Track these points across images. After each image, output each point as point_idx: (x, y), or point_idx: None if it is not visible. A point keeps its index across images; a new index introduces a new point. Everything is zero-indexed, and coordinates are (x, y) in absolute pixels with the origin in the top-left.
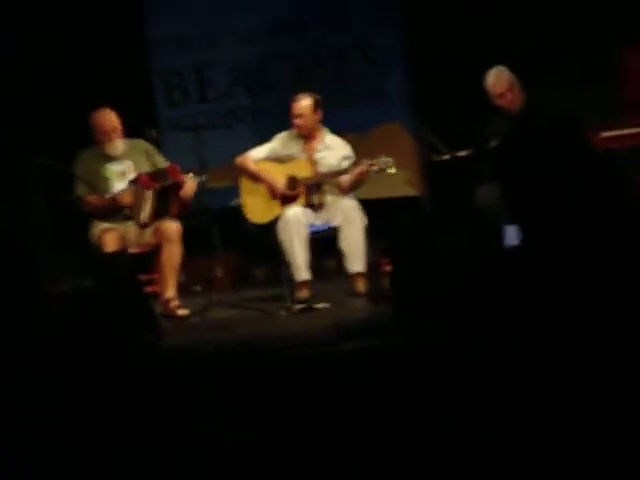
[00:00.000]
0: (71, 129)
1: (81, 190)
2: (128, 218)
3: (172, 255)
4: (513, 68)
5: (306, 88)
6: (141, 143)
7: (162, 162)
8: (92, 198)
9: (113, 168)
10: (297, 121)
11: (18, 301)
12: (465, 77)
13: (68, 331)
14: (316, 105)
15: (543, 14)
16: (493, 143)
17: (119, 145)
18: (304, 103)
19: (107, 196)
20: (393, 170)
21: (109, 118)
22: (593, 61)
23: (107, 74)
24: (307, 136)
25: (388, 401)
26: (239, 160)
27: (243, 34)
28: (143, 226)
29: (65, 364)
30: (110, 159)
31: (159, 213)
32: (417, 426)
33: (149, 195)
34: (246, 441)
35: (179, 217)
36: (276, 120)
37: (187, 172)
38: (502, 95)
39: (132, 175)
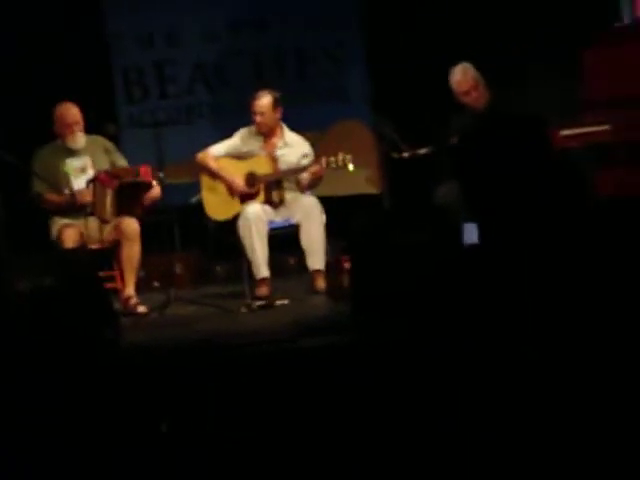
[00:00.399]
0: (30, 125)
1: (39, 187)
2: (90, 214)
3: (131, 253)
4: (477, 66)
5: (266, 85)
6: (100, 139)
7: (121, 160)
8: (51, 196)
9: (72, 163)
10: (257, 118)
11: None
12: (426, 75)
13: (28, 328)
14: (276, 103)
15: (509, 12)
16: (454, 140)
17: (80, 139)
18: (264, 101)
19: (66, 192)
20: (351, 167)
21: (72, 112)
22: (559, 60)
23: (67, 69)
24: (267, 133)
25: (346, 398)
26: (199, 157)
27: (204, 31)
28: (105, 221)
29: (26, 362)
30: (70, 154)
31: (121, 210)
32: (374, 422)
33: (109, 193)
34: (204, 438)
35: (141, 217)
36: (236, 116)
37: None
38: (467, 93)
39: (90, 171)
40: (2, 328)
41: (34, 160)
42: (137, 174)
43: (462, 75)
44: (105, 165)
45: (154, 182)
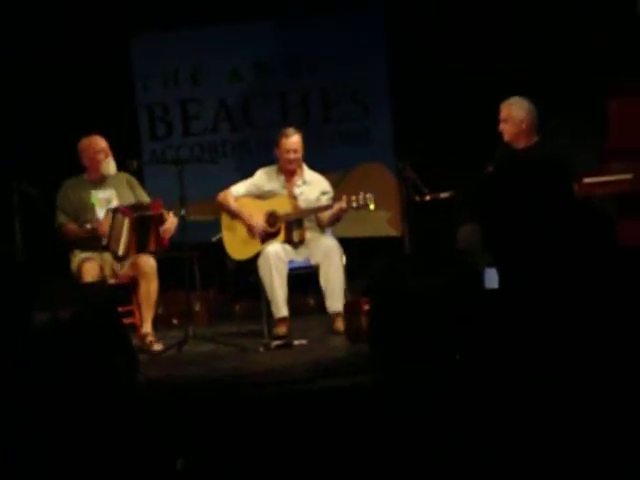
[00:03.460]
0: (55, 159)
1: (62, 219)
2: (105, 248)
3: (149, 290)
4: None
5: (291, 125)
6: (124, 175)
7: (143, 196)
8: (72, 226)
9: (98, 195)
10: (291, 156)
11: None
12: (449, 119)
13: (46, 361)
14: (303, 141)
15: (535, 58)
16: (489, 170)
17: (111, 165)
18: (298, 138)
19: (87, 226)
20: (372, 206)
21: (100, 140)
22: (585, 109)
23: (93, 105)
24: (288, 172)
25: (364, 440)
26: (220, 196)
27: (229, 70)
28: (120, 259)
29: (43, 394)
30: (95, 186)
31: (137, 245)
32: (392, 464)
33: (126, 224)
34: (220, 477)
35: (158, 253)
36: (259, 156)
37: (166, 208)
38: (500, 121)
39: (115, 203)
40: (20, 359)
41: (60, 193)
42: (149, 209)
43: (505, 103)
44: (130, 199)
45: (168, 214)
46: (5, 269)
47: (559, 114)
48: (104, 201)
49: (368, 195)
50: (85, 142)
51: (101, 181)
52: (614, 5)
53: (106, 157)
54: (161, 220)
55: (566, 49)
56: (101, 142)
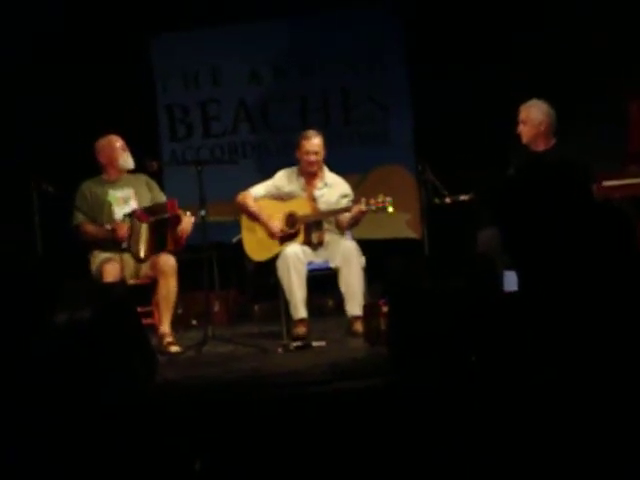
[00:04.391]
0: (76, 159)
1: (79, 218)
2: (125, 250)
3: (168, 291)
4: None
5: (311, 127)
6: (142, 176)
7: (161, 197)
8: (90, 226)
9: (116, 194)
10: (311, 157)
11: (23, 328)
12: (469, 122)
13: (64, 361)
14: (324, 143)
15: (555, 61)
16: (510, 172)
17: (129, 159)
18: (319, 140)
19: (106, 226)
20: (391, 209)
21: (117, 139)
22: (605, 110)
23: (112, 106)
24: (309, 174)
25: (381, 442)
26: (239, 197)
27: (249, 72)
28: (140, 261)
29: (61, 394)
30: (113, 186)
31: (156, 247)
32: (410, 466)
33: (144, 229)
34: (237, 477)
35: (175, 253)
36: (279, 157)
37: (185, 209)
38: (519, 123)
39: (133, 202)
40: (38, 359)
41: (78, 193)
42: (165, 210)
43: (524, 105)
44: (147, 199)
45: (184, 213)
46: (24, 269)
47: (579, 117)
48: (121, 200)
49: (387, 198)
50: (102, 141)
51: (119, 180)
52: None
53: (124, 152)
54: (177, 220)
55: (587, 51)
56: (118, 140)
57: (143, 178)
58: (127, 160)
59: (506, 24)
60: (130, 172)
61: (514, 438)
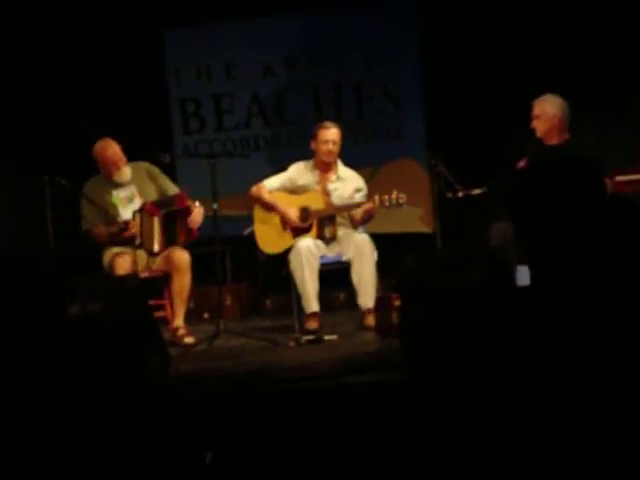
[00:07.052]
0: (89, 154)
1: (87, 225)
2: (139, 246)
3: (181, 284)
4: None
5: (326, 119)
6: (143, 165)
7: (167, 182)
8: (98, 229)
9: (119, 194)
10: (330, 146)
11: (38, 322)
12: (481, 116)
13: (77, 355)
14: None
15: (565, 57)
16: (523, 166)
17: (125, 173)
18: (336, 130)
19: (114, 227)
20: (404, 206)
21: (111, 150)
22: (615, 106)
23: (125, 99)
24: (323, 167)
25: (393, 436)
26: (253, 189)
27: (262, 65)
28: (155, 255)
29: (75, 386)
30: (115, 186)
31: (168, 239)
32: (420, 462)
33: (156, 222)
34: (248, 470)
35: (187, 245)
36: (292, 150)
37: (194, 200)
38: (533, 117)
39: (138, 200)
40: (53, 353)
41: (82, 199)
42: (175, 202)
43: (536, 101)
44: (152, 191)
45: (194, 203)
46: (36, 264)
47: (592, 111)
48: (125, 200)
49: (402, 195)
50: (98, 150)
51: (120, 177)
52: None
53: (118, 169)
54: (188, 212)
55: (601, 43)
56: (115, 151)
57: (144, 168)
58: (122, 174)
59: (520, 19)
60: (130, 162)
61: (528, 434)
